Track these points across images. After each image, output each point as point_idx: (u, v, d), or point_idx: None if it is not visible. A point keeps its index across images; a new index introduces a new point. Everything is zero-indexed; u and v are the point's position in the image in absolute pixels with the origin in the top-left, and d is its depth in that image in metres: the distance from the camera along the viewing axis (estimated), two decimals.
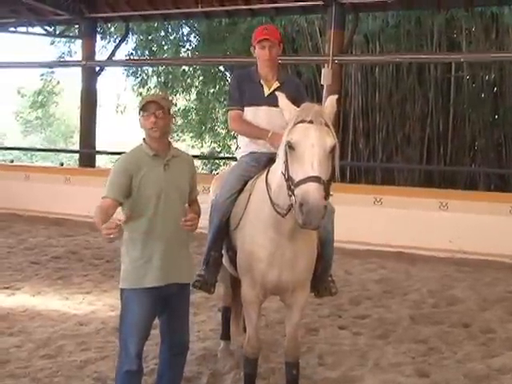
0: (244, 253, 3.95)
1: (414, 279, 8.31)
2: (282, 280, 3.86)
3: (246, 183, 4.21)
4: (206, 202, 4.36)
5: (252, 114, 4.42)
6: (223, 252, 4.38)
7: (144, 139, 3.70)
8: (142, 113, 3.61)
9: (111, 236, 3.19)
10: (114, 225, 3.20)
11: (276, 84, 4.40)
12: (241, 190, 4.20)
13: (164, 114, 3.59)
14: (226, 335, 5.13)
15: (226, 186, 4.28)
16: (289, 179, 3.33)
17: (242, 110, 4.47)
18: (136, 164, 3.57)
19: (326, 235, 4.10)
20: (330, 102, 3.56)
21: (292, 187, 3.26)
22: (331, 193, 3.35)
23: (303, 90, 4.61)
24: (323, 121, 3.33)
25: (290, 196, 3.29)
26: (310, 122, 3.31)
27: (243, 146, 4.59)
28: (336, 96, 3.66)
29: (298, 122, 3.36)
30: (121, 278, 3.65)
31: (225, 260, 4.42)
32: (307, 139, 3.27)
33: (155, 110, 3.56)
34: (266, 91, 4.42)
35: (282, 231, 3.70)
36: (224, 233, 4.27)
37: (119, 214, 3.62)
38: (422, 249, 9.67)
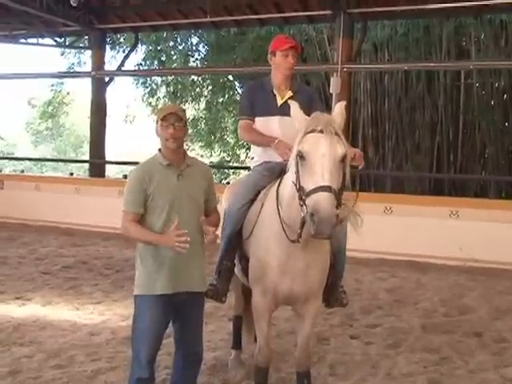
0: (256, 261, 3.96)
1: (425, 288, 8.26)
2: (294, 289, 3.85)
3: (258, 193, 4.22)
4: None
5: (265, 123, 4.44)
6: (235, 261, 4.38)
7: (159, 149, 3.73)
8: (160, 122, 3.64)
9: (182, 249, 3.39)
10: (184, 239, 3.37)
11: (289, 93, 4.41)
12: (254, 200, 4.21)
13: (182, 125, 3.64)
14: (236, 345, 5.12)
15: (239, 195, 4.30)
16: (300, 189, 3.34)
17: (253, 120, 4.50)
18: (149, 173, 3.61)
19: (338, 245, 4.10)
20: (339, 109, 3.56)
21: (303, 197, 3.27)
22: (344, 202, 3.36)
23: (317, 100, 4.60)
24: (333, 130, 3.33)
25: (302, 206, 3.29)
26: (321, 131, 3.32)
27: (256, 156, 4.61)
28: (344, 102, 3.67)
29: (309, 132, 3.37)
30: (135, 285, 3.71)
31: (237, 269, 4.42)
32: (318, 149, 3.28)
33: (174, 121, 3.61)
34: (279, 101, 4.43)
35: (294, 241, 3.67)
36: (237, 242, 4.28)
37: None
38: (432, 257, 9.62)
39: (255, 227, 4.02)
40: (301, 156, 3.34)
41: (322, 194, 3.14)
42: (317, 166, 3.24)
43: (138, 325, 3.65)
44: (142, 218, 3.63)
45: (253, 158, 4.74)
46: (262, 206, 4.03)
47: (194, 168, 3.76)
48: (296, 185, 3.40)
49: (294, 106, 3.65)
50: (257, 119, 4.50)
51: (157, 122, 3.68)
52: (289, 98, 4.24)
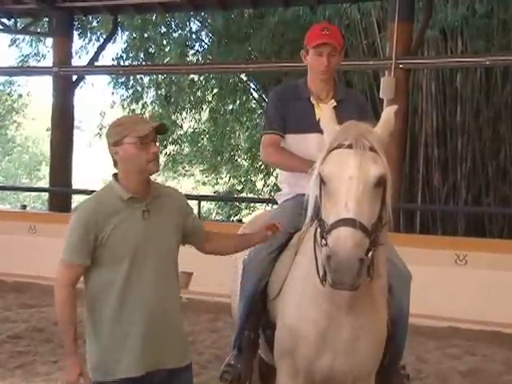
0: (285, 329, 3.94)
1: None
2: (337, 369, 3.81)
3: (290, 237, 4.23)
4: (223, 262, 4.35)
5: (298, 142, 4.47)
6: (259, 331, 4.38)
7: (115, 175, 3.69)
8: (134, 140, 3.56)
9: None
10: None
11: (331, 103, 4.42)
12: (284, 246, 4.22)
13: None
14: None
15: None
16: (321, 224, 3.38)
17: (281, 136, 4.53)
18: (103, 212, 3.56)
19: (399, 311, 4.07)
20: (385, 117, 3.61)
21: (324, 235, 3.30)
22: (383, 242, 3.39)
23: (369, 112, 4.62)
24: (368, 144, 3.34)
25: (325, 246, 3.29)
26: (349, 146, 3.34)
27: (286, 186, 4.63)
28: (396, 106, 3.68)
29: (334, 148, 3.40)
30: (89, 368, 3.68)
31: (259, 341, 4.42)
32: (343, 170, 3.29)
33: (154, 137, 3.62)
34: (318, 113, 4.42)
35: (339, 301, 3.65)
36: (261, 304, 4.28)
37: None
38: None
39: (285, 283, 4.02)
40: (322, 180, 3.37)
41: (343, 229, 3.15)
42: (340, 192, 3.26)
43: None
44: (94, 272, 3.60)
45: (281, 190, 4.74)
46: (295, 255, 4.03)
47: (163, 198, 3.74)
48: (317, 218, 3.46)
49: (327, 112, 3.66)
50: (288, 136, 4.52)
51: (118, 140, 3.58)
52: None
